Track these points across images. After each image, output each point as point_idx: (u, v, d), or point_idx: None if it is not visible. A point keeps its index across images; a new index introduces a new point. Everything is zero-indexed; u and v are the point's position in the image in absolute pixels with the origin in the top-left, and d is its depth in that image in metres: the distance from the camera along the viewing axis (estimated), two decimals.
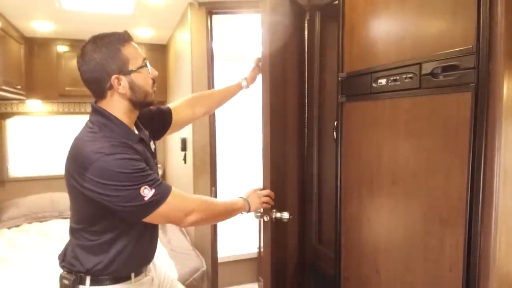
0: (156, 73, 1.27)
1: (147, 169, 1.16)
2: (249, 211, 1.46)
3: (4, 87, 2.73)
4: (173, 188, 1.20)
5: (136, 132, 1.30)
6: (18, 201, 3.43)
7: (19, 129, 3.69)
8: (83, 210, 1.21)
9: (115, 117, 1.21)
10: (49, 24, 3.05)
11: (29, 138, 3.70)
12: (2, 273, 2.29)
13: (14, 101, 3.55)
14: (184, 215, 1.22)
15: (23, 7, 2.64)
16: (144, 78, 1.23)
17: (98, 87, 1.20)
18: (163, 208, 1.16)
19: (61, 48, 3.47)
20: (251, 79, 1.78)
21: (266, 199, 1.51)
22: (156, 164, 1.37)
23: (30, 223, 3.30)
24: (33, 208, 3.36)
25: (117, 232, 1.22)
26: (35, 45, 3.39)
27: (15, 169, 3.69)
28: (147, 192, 1.11)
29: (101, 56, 1.16)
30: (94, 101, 1.25)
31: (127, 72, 1.19)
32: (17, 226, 3.24)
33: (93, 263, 1.21)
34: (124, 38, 1.20)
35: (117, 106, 1.22)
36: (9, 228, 3.19)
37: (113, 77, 1.17)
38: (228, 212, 1.38)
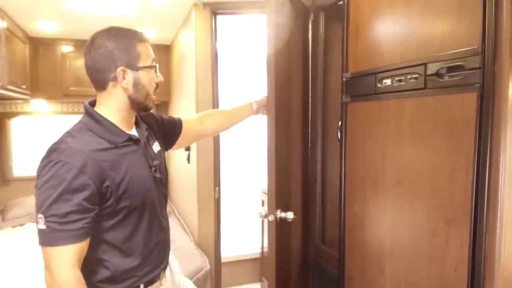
0: (162, 78, 1.25)
1: (68, 201, 1.02)
2: None
3: (9, 87, 2.74)
4: (64, 248, 1.02)
5: (131, 132, 1.24)
6: (22, 200, 3.45)
7: (24, 128, 3.71)
8: None
9: (103, 118, 1.17)
10: (54, 24, 3.06)
11: (33, 138, 3.72)
12: (6, 271, 2.30)
13: (19, 101, 3.57)
14: (49, 279, 1.06)
15: (29, 7, 2.66)
16: (150, 79, 1.20)
17: (101, 76, 1.15)
18: (43, 251, 1.04)
19: (66, 48, 3.48)
20: (262, 105, 1.72)
21: None
22: (154, 166, 1.27)
23: (34, 222, 3.31)
24: None
25: (105, 246, 1.13)
26: (40, 45, 3.41)
27: (19, 169, 3.71)
28: (40, 222, 1.02)
29: (113, 45, 1.14)
30: (88, 101, 1.21)
31: (135, 68, 1.16)
32: (21, 225, 3.26)
33: (91, 278, 1.13)
34: (141, 36, 1.19)
35: (115, 100, 1.18)
36: (13, 227, 3.20)
37: (120, 68, 1.13)
38: None
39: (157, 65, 1.22)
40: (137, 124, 1.29)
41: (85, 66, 1.18)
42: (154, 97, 1.24)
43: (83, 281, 1.06)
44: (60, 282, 1.04)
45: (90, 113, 1.17)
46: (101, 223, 1.11)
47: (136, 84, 1.17)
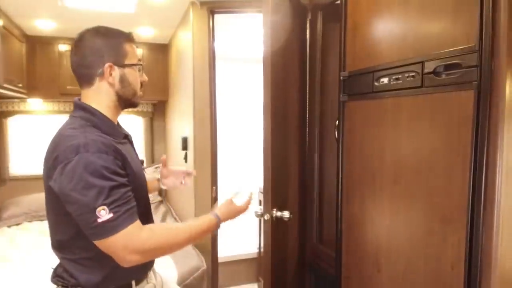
0: (146, 78, 1.29)
1: (118, 184, 1.05)
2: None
3: (6, 85, 2.73)
4: (134, 224, 1.05)
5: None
6: (19, 199, 3.44)
7: (20, 127, 3.70)
8: (65, 219, 1.10)
9: (98, 111, 1.18)
10: (51, 22, 3.05)
11: (30, 137, 3.71)
12: (2, 271, 2.29)
13: (15, 100, 3.56)
14: (133, 253, 1.05)
15: (26, 5, 2.65)
16: (136, 77, 1.23)
17: (88, 72, 1.17)
18: (111, 241, 1.03)
19: (63, 47, 3.47)
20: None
21: (241, 211, 1.36)
22: (142, 163, 1.35)
23: (30, 221, 3.30)
24: (34, 206, 3.36)
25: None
26: (37, 44, 3.40)
27: (16, 168, 3.70)
28: (103, 214, 1.01)
29: (101, 42, 1.17)
30: (77, 98, 1.22)
31: (121, 65, 1.19)
32: (18, 224, 3.25)
33: (86, 278, 1.14)
34: (129, 36, 1.23)
35: (103, 96, 1.19)
36: (9, 226, 3.19)
37: (107, 64, 1.16)
38: (193, 238, 1.19)
39: (142, 65, 1.27)
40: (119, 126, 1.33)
41: (71, 61, 1.20)
42: (141, 93, 1.27)
43: (153, 226, 1.14)
44: (146, 245, 1.07)
45: (87, 108, 1.18)
46: None
47: (122, 81, 1.20)
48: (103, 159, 1.04)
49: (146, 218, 1.26)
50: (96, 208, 1.00)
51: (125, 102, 1.23)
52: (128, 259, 1.05)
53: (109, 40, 1.18)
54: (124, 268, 1.09)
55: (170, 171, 1.54)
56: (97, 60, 1.16)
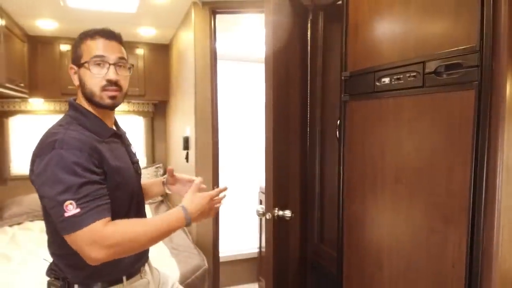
0: (110, 76, 1.18)
1: (90, 181, 1.05)
2: (189, 224, 1.20)
3: (7, 85, 2.74)
4: (102, 220, 1.04)
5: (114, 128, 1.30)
6: (20, 199, 3.44)
7: (22, 127, 3.70)
8: (47, 214, 1.14)
9: (87, 110, 1.21)
10: (53, 22, 3.06)
11: (31, 137, 3.71)
12: (3, 270, 2.30)
13: (17, 100, 3.57)
14: (98, 249, 1.02)
15: (28, 5, 2.66)
16: (90, 75, 1.18)
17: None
18: (77, 236, 1.02)
19: (64, 47, 3.48)
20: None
21: (213, 203, 1.28)
22: (135, 162, 1.33)
23: (32, 221, 3.31)
24: (35, 206, 3.36)
25: None
26: (38, 44, 3.41)
27: (17, 167, 3.70)
28: (71, 208, 1.01)
29: (72, 44, 1.25)
30: (72, 98, 1.27)
31: (78, 65, 1.21)
32: (19, 223, 3.25)
33: (74, 273, 1.17)
34: (89, 33, 1.21)
35: (82, 97, 1.23)
36: (10, 225, 3.19)
37: (70, 66, 1.23)
38: (163, 233, 1.14)
39: (100, 60, 1.18)
40: (116, 125, 1.35)
41: None
42: (111, 93, 1.20)
43: (118, 222, 1.08)
44: (110, 240, 1.03)
45: (74, 106, 1.22)
46: None
47: (81, 81, 1.21)
48: (77, 155, 1.05)
49: (139, 214, 1.29)
50: (64, 202, 1.01)
51: (90, 103, 1.21)
52: (93, 256, 1.02)
53: (74, 42, 1.23)
54: (112, 264, 1.09)
55: (177, 179, 1.52)
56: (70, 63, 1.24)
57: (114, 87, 1.20)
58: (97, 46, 1.19)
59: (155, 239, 1.12)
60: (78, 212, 1.01)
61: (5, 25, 2.69)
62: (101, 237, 1.02)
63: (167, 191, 1.55)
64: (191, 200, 1.22)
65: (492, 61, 0.94)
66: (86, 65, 1.18)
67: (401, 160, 1.23)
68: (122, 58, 1.22)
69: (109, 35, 1.21)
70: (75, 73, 1.22)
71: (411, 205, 1.19)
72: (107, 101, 1.20)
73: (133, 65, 1.30)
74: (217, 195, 1.29)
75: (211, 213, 1.28)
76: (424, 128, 1.13)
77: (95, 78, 1.18)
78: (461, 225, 1.01)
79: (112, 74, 1.19)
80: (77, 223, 1.01)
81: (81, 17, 2.85)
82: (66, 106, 3.71)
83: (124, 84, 1.24)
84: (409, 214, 1.20)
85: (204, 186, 1.35)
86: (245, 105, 4.15)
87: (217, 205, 1.30)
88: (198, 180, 1.33)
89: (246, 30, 3.16)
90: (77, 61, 1.20)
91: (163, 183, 1.54)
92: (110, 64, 1.19)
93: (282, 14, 1.73)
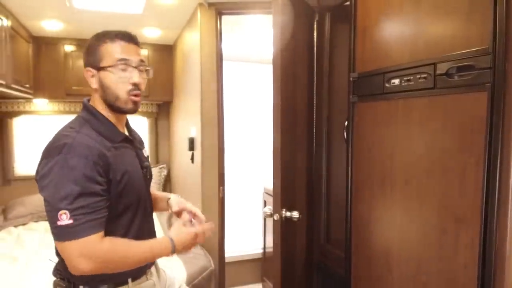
0: (135, 80, 1.18)
1: (89, 192, 1.04)
2: (172, 255, 1.20)
3: (13, 86, 2.74)
4: (95, 235, 1.04)
5: (126, 133, 1.28)
6: (25, 199, 3.44)
7: (26, 128, 3.71)
8: None
9: (100, 113, 1.19)
10: (58, 23, 3.07)
11: (36, 137, 3.72)
12: (10, 271, 2.30)
13: (21, 100, 3.57)
14: (87, 263, 1.02)
15: (34, 6, 2.66)
16: (113, 79, 1.16)
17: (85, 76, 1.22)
18: (66, 245, 1.02)
19: (69, 48, 3.49)
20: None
21: (195, 241, 1.25)
22: (145, 167, 1.31)
23: (36, 221, 3.31)
24: (40, 206, 3.36)
25: None
26: (43, 44, 3.41)
27: (21, 168, 3.71)
28: (64, 218, 1.01)
29: (86, 47, 1.20)
30: (86, 98, 1.25)
31: (97, 68, 1.18)
32: (24, 224, 3.25)
33: (82, 277, 1.15)
34: (108, 36, 1.18)
35: (97, 100, 1.21)
36: (15, 226, 3.20)
37: (86, 69, 1.19)
38: (149, 258, 1.18)
39: (124, 64, 1.17)
40: (128, 129, 1.34)
41: None
42: (134, 98, 1.20)
43: (114, 239, 1.09)
44: (104, 256, 1.05)
45: (88, 108, 1.21)
46: None
47: (102, 85, 1.18)
48: (82, 163, 1.04)
49: (145, 220, 1.28)
50: (58, 211, 1.01)
51: (111, 107, 1.20)
52: (80, 268, 1.02)
53: (90, 44, 1.20)
54: None
55: (184, 208, 1.42)
56: (85, 65, 1.20)
57: (138, 91, 1.20)
58: (119, 49, 1.17)
59: (141, 262, 1.15)
60: (71, 224, 1.01)
61: (11, 26, 2.69)
62: (94, 252, 1.03)
63: (170, 211, 1.50)
64: (178, 233, 1.22)
65: (505, 63, 0.94)
66: (109, 69, 1.16)
67: (411, 161, 1.23)
68: (142, 60, 1.22)
69: (128, 37, 1.19)
70: (92, 76, 1.19)
71: (422, 206, 1.19)
72: (130, 106, 1.20)
73: (151, 68, 1.27)
74: (203, 232, 1.27)
75: (192, 247, 1.27)
76: (435, 129, 1.13)
77: (121, 83, 1.17)
78: (474, 225, 1.01)
79: (136, 78, 1.18)
80: (69, 233, 1.01)
81: (86, 18, 2.86)
82: (70, 106, 3.76)
83: (143, 87, 1.24)
84: (420, 215, 1.20)
85: (212, 225, 1.32)
86: (248, 106, 4.15)
87: (200, 242, 1.28)
88: (199, 215, 1.35)
89: (249, 30, 3.17)
90: (96, 64, 1.17)
91: (168, 202, 1.47)
92: (133, 68, 1.18)
93: (289, 15, 1.73)
